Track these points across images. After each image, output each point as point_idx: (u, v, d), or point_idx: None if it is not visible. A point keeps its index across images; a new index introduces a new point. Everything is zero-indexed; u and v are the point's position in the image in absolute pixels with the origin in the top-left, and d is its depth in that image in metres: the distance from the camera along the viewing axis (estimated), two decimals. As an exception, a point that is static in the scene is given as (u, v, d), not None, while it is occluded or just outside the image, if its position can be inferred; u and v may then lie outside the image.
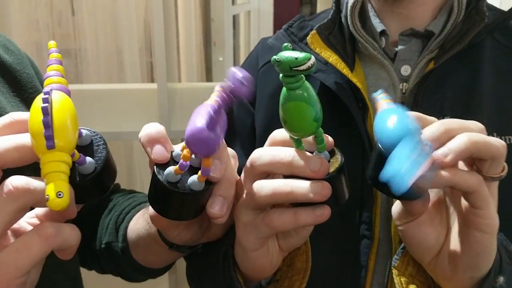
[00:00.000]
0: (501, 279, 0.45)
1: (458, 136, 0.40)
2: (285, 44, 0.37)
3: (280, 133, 0.45)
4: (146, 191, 0.73)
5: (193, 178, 0.41)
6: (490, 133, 0.57)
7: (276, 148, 0.43)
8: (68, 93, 0.40)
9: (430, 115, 0.44)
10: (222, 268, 0.51)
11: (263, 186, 0.42)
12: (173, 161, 0.43)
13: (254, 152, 0.44)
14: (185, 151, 0.40)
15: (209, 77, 2.00)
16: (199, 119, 0.37)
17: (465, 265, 0.44)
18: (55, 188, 0.35)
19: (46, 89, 0.38)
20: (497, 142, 0.40)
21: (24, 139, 0.38)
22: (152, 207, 0.44)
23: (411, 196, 0.43)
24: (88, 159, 0.40)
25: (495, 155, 0.40)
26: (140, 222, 0.61)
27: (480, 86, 0.60)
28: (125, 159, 1.45)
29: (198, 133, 0.36)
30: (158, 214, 0.47)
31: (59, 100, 0.38)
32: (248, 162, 0.44)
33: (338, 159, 0.43)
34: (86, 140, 0.42)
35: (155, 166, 0.42)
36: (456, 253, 0.44)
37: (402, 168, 0.35)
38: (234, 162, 0.46)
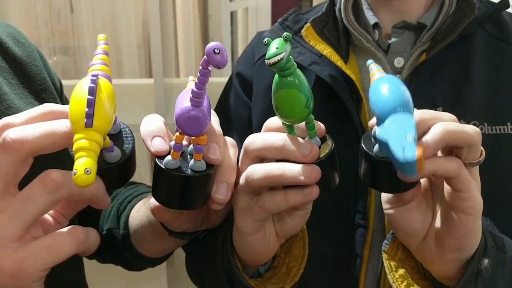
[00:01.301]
0: (485, 261, 0.46)
1: (434, 127, 0.41)
2: (285, 33, 0.39)
3: (274, 121, 0.46)
4: (145, 183, 0.74)
5: (192, 161, 0.42)
6: (481, 124, 0.59)
7: (268, 134, 0.44)
8: (110, 81, 0.41)
9: (422, 107, 0.45)
10: (221, 254, 0.52)
11: (256, 170, 0.43)
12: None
13: (248, 138, 0.45)
14: (177, 133, 0.41)
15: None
16: (185, 101, 0.39)
17: (451, 247, 0.45)
18: (84, 164, 0.35)
19: (93, 73, 0.39)
20: (471, 129, 0.41)
21: (55, 125, 0.39)
22: (157, 200, 0.45)
23: (401, 189, 0.44)
24: (116, 148, 0.41)
25: (471, 142, 0.41)
26: (142, 210, 0.61)
27: (472, 77, 0.61)
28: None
29: (186, 112, 0.38)
30: (158, 208, 0.48)
31: (103, 85, 0.39)
32: (242, 148, 0.46)
33: (329, 145, 0.45)
34: (116, 129, 0.43)
35: (155, 158, 0.43)
36: (442, 236, 0.45)
37: (409, 137, 0.36)
38: (234, 151, 0.47)
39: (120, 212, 0.66)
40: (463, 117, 0.59)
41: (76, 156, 0.36)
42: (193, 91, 0.38)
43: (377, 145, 0.43)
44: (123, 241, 0.64)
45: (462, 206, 0.42)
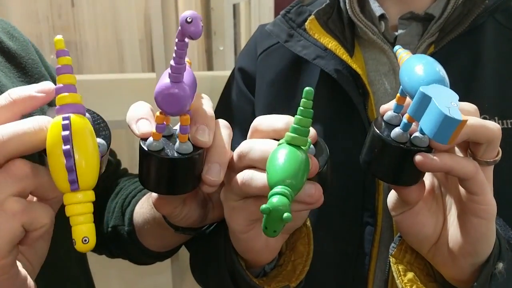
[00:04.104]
0: (500, 265, 0.44)
1: None
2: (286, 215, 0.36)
3: (264, 123, 0.44)
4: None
5: (177, 143, 0.41)
6: (491, 117, 0.57)
7: (266, 144, 0.42)
8: (84, 111, 0.37)
9: None
10: (224, 252, 0.51)
11: (254, 179, 0.42)
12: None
13: (243, 144, 0.44)
14: (158, 113, 0.39)
15: (209, 66, 2.00)
16: (164, 79, 0.37)
17: (464, 252, 0.43)
18: (81, 233, 0.35)
19: (64, 123, 0.35)
20: (493, 125, 0.40)
21: (26, 126, 0.36)
22: (144, 185, 0.43)
23: (407, 180, 0.43)
24: (100, 141, 0.39)
25: (491, 139, 0.40)
26: (145, 206, 0.61)
27: (482, 69, 0.59)
28: (126, 146, 1.46)
29: (164, 89, 0.36)
30: (160, 201, 0.47)
31: (79, 131, 0.35)
32: (236, 153, 0.44)
33: (323, 150, 0.43)
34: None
35: (140, 141, 0.41)
36: (455, 241, 0.44)
37: (453, 104, 0.35)
38: (228, 133, 0.45)
39: (125, 208, 0.65)
40: None
41: (72, 222, 0.35)
42: (171, 66, 0.36)
43: (396, 129, 0.41)
44: (128, 237, 0.64)
45: (476, 210, 0.41)
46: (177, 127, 0.43)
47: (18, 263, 0.38)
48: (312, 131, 0.43)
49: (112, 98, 1.22)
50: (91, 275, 0.67)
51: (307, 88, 0.39)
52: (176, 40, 0.35)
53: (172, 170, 0.41)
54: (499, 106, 0.58)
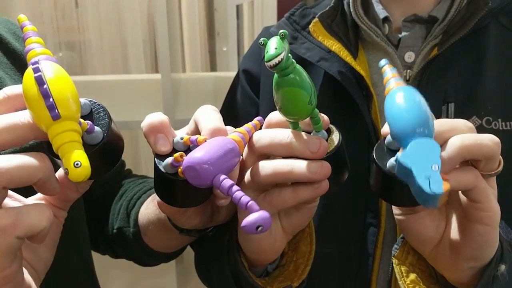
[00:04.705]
0: (502, 267, 0.44)
1: (450, 142, 0.38)
2: (281, 31, 0.37)
3: (276, 115, 0.45)
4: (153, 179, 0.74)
5: None
6: (494, 119, 0.57)
7: (274, 130, 0.43)
8: (56, 63, 0.37)
9: (433, 102, 0.43)
10: (227, 253, 0.51)
11: (264, 167, 0.42)
12: (174, 149, 0.43)
13: (254, 135, 0.44)
14: (178, 155, 0.39)
15: (213, 67, 2.00)
16: (201, 151, 0.37)
17: (466, 256, 0.43)
18: (72, 159, 0.33)
19: (32, 60, 0.36)
20: (489, 141, 0.39)
21: (16, 117, 0.35)
22: (160, 198, 0.45)
23: (413, 202, 0.43)
24: (96, 127, 0.38)
25: (488, 155, 0.39)
26: (150, 207, 0.61)
27: (485, 72, 0.59)
28: (130, 148, 1.47)
29: (194, 163, 0.36)
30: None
31: (51, 68, 0.36)
32: (246, 148, 0.45)
33: (335, 137, 0.44)
34: (86, 110, 0.40)
35: (155, 158, 0.42)
36: (457, 245, 0.44)
37: (435, 167, 0.35)
38: None
39: (130, 209, 0.66)
40: (476, 113, 0.57)
41: (60, 153, 0.34)
42: (218, 150, 0.38)
43: (391, 160, 0.41)
44: (133, 239, 0.64)
45: (480, 217, 0.41)
46: (178, 133, 0.44)
47: (24, 270, 0.38)
48: (326, 117, 0.43)
49: (116, 99, 1.23)
50: (97, 280, 0.67)
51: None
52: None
53: (188, 189, 0.41)
54: (502, 108, 0.58)
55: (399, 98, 0.39)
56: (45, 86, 0.34)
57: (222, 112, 0.72)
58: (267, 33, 0.71)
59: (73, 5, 1.76)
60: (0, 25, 0.59)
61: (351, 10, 0.64)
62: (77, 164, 0.33)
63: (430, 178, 0.34)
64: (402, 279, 0.48)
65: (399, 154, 0.37)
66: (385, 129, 0.44)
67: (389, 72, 0.44)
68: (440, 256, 0.46)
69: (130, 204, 0.66)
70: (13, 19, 0.64)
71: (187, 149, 0.43)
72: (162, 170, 0.41)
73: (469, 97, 0.58)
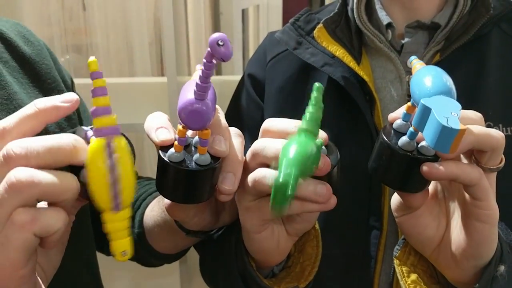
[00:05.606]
0: (502, 268, 0.45)
1: None
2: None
3: (275, 124, 0.45)
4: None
5: (196, 155, 0.41)
6: (495, 124, 0.58)
7: (279, 142, 0.43)
8: (119, 132, 0.38)
9: None
10: (235, 254, 0.52)
11: (267, 177, 0.42)
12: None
13: (257, 142, 0.44)
14: (180, 127, 0.40)
15: (218, 71, 2.01)
16: (188, 93, 0.38)
17: (467, 254, 0.44)
18: (120, 247, 0.37)
19: (97, 133, 0.36)
20: (497, 133, 0.41)
21: (56, 140, 0.36)
22: (162, 193, 0.44)
23: (413, 187, 0.44)
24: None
25: (495, 147, 0.41)
26: (156, 209, 0.62)
27: (486, 78, 0.60)
28: (136, 150, 1.48)
29: (189, 105, 0.37)
30: (173, 206, 0.48)
31: (121, 153, 0.36)
32: (250, 152, 0.45)
33: (333, 152, 0.44)
34: None
35: (159, 150, 0.42)
36: (458, 243, 0.45)
37: (454, 114, 0.36)
38: (240, 141, 0.46)
39: (135, 210, 0.66)
40: None
41: (111, 237, 0.37)
42: (197, 84, 0.37)
43: (403, 137, 0.42)
44: (138, 240, 0.64)
45: (479, 215, 0.42)
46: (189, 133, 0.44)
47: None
48: (324, 134, 0.44)
49: (122, 102, 1.24)
50: (101, 280, 0.67)
51: (316, 83, 0.40)
52: (204, 60, 0.36)
53: (192, 181, 0.42)
54: (503, 114, 0.59)
55: (430, 70, 0.42)
56: (115, 174, 0.35)
57: (227, 115, 0.73)
58: (272, 38, 0.72)
59: (81, 8, 1.77)
60: (9, 28, 0.59)
61: (355, 16, 0.64)
62: (124, 253, 0.38)
63: (448, 118, 0.36)
64: (403, 279, 0.49)
65: (421, 100, 0.39)
66: (394, 114, 0.45)
67: (416, 62, 0.46)
68: (441, 256, 0.47)
69: (136, 206, 0.66)
70: (21, 21, 0.65)
71: (188, 145, 0.43)
72: (166, 159, 0.41)
73: (470, 103, 0.59)
